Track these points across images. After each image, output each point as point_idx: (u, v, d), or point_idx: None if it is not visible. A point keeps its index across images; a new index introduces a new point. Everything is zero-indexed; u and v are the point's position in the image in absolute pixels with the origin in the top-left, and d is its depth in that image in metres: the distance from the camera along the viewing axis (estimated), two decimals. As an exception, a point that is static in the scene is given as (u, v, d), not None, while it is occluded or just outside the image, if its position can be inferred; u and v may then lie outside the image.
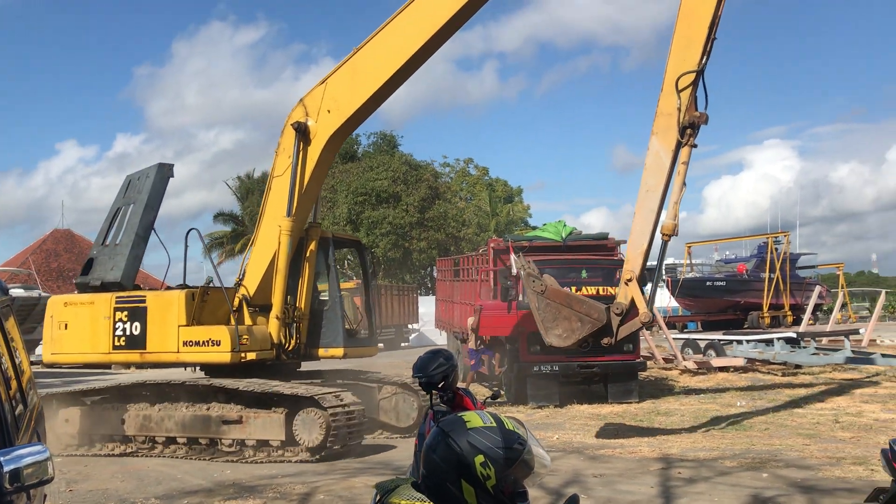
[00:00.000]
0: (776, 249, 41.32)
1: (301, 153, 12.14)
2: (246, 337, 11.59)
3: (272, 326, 12.05)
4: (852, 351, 18.55)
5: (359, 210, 45.58)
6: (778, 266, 40.24)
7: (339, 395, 11.19)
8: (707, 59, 9.96)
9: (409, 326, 38.44)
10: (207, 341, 11.53)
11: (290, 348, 12.21)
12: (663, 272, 12.04)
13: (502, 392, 12.33)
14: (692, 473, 9.58)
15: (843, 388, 17.09)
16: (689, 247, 47.77)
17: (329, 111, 12.00)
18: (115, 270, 12.48)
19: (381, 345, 22.09)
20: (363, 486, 9.25)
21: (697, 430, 12.82)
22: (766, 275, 39.81)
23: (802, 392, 16.74)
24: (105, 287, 12.59)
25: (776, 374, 19.96)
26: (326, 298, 12.99)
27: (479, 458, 2.20)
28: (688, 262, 45.09)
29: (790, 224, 55.44)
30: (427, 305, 37.11)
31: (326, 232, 13.21)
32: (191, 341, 11.65)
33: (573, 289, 16.08)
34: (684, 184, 10.20)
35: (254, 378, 11.64)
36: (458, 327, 21.38)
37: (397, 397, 12.95)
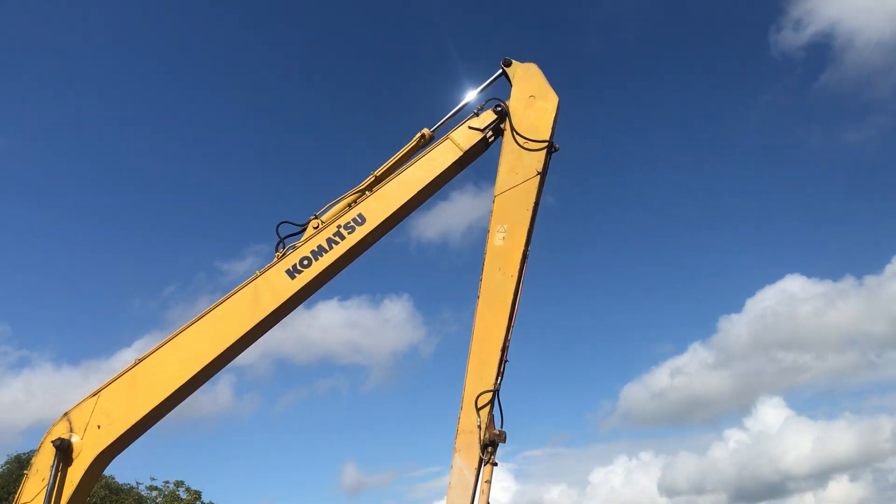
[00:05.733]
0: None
1: (59, 475, 10.59)
2: None
3: None
4: None
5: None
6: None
7: None
8: (501, 379, 10.75)
9: None
10: None
11: None
12: None
13: None
14: None
15: None
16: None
17: (99, 426, 10.83)
18: None
19: None
20: None
21: None
22: None
23: None
24: None
25: None
26: None
27: None
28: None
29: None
30: None
31: None
32: None
33: None
34: (489, 502, 10.35)
35: None
36: None
37: None
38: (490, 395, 10.68)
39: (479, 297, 11.25)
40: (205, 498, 49.00)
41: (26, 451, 46.03)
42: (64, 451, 10.62)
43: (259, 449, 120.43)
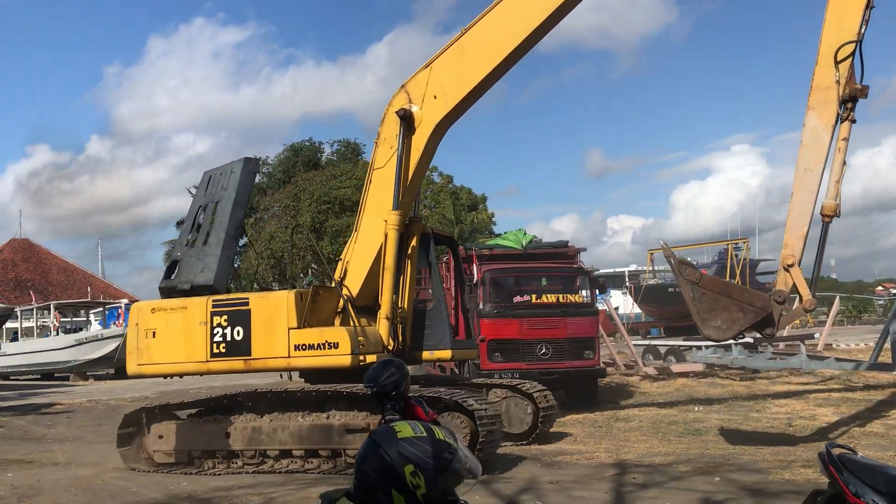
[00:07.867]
0: (736, 255, 42.04)
1: (405, 142, 11.32)
2: (362, 338, 10.69)
3: (382, 327, 11.13)
4: (807, 355, 18.88)
5: (322, 218, 44.58)
6: (738, 272, 40.78)
7: (480, 400, 10.49)
8: (866, 28, 9.63)
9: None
10: (323, 344, 10.56)
11: (394, 351, 11.34)
12: (818, 260, 11.34)
13: None
14: (646, 479, 9.60)
15: (797, 393, 17.44)
16: (652, 253, 48.06)
17: (435, 97, 11.23)
18: (206, 272, 11.48)
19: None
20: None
21: (654, 435, 13.02)
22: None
23: (758, 397, 17.08)
24: (195, 291, 11.54)
25: (734, 379, 20.21)
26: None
27: (409, 468, 2.27)
28: (650, 268, 45.37)
29: (756, 230, 56.56)
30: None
31: (426, 227, 12.44)
32: (304, 345, 10.64)
33: (533, 297, 15.91)
34: (845, 162, 9.84)
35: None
36: None
37: (508, 401, 12.28)
38: (852, 46, 9.68)
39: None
40: (456, 182, 52.62)
41: (298, 140, 50.80)
42: (407, 121, 11.23)
43: (506, 138, 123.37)
